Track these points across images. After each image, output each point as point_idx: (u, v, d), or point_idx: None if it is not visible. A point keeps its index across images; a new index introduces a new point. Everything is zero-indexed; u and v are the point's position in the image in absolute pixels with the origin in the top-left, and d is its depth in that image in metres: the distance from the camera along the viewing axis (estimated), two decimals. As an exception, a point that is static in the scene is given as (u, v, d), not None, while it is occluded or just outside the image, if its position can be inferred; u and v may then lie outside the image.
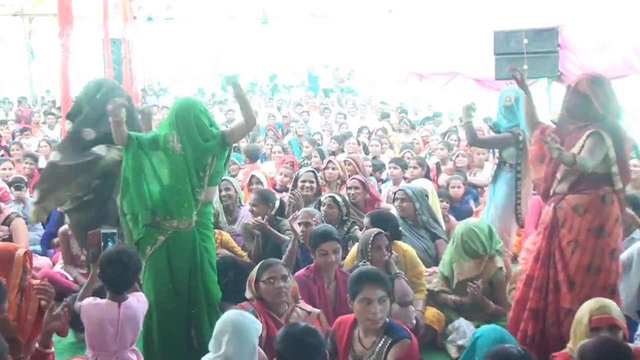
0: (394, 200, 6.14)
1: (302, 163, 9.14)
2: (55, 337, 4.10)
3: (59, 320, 3.65)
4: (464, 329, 4.74)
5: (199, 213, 4.40)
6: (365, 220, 5.38)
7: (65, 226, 6.14)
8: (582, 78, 4.33)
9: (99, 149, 4.85)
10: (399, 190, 6.15)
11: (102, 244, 4.37)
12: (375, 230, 4.81)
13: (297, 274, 4.61)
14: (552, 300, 4.27)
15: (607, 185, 4.25)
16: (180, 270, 4.37)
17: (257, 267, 4.18)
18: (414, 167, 7.82)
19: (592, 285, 4.22)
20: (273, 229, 5.63)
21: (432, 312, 4.91)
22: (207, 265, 4.47)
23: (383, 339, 3.64)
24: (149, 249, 4.35)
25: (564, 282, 4.23)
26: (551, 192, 4.43)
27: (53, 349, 3.82)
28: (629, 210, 5.29)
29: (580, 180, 4.26)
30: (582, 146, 4.19)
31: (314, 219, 5.37)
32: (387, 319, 3.69)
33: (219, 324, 3.34)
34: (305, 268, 4.72)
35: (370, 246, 4.67)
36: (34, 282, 4.32)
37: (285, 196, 6.58)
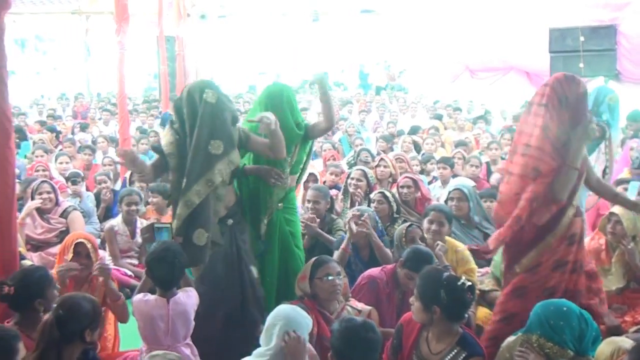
0: (448, 199, 6.06)
1: (352, 162, 9.10)
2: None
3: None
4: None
5: (285, 198, 4.65)
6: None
7: (112, 222, 6.26)
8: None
9: None
10: (455, 189, 6.08)
11: (156, 237, 4.41)
12: (407, 223, 4.95)
13: (370, 272, 4.53)
14: None
15: None
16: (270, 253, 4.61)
17: (309, 264, 4.17)
18: (476, 166, 7.79)
19: None
20: (323, 232, 5.50)
21: (484, 312, 4.84)
22: (294, 247, 4.71)
23: (456, 350, 3.44)
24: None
25: None
26: None
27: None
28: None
29: None
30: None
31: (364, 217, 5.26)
32: (461, 330, 3.52)
33: (270, 317, 3.36)
34: (380, 268, 4.57)
35: (404, 239, 4.80)
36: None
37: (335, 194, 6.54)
